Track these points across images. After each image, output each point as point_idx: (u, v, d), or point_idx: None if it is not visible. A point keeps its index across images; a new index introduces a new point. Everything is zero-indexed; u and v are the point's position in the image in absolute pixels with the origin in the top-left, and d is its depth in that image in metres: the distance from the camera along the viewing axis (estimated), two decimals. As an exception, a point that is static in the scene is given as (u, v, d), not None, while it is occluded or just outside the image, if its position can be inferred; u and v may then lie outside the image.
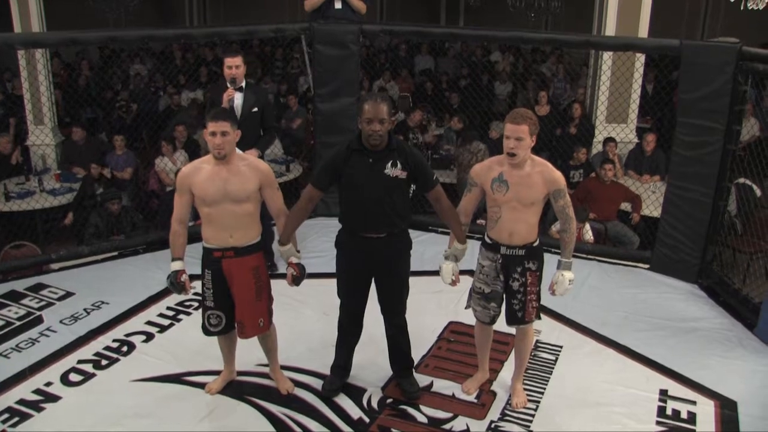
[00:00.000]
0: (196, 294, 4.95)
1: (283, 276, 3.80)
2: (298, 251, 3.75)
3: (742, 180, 6.21)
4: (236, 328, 3.75)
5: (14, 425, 3.66)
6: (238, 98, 5.05)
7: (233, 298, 3.68)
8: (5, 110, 9.17)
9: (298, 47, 7.96)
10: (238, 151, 3.70)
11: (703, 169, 5.18)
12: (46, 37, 6.60)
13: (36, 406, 3.82)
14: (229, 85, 5.01)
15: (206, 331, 3.79)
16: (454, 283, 3.79)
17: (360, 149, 3.53)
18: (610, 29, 7.79)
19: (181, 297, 4.90)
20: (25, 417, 3.74)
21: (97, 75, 11.31)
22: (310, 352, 4.32)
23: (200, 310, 4.77)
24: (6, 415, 3.73)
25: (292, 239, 3.70)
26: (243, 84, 5.09)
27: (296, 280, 3.71)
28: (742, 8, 8.58)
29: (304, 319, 4.71)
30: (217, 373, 4.03)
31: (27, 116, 8.12)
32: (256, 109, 5.07)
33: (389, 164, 3.52)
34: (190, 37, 7.41)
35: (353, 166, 3.53)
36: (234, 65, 5.01)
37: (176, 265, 3.64)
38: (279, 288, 3.96)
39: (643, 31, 7.75)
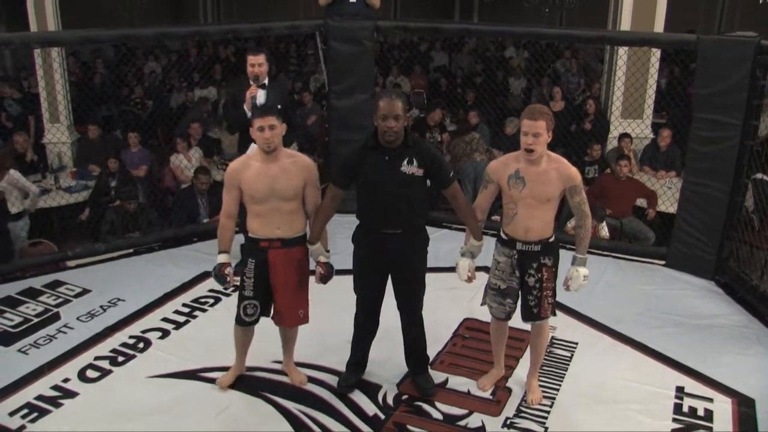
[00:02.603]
0: (211, 291, 5.00)
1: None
2: (328, 250, 3.78)
3: (759, 175, 6.15)
4: (274, 318, 3.78)
5: (33, 420, 3.70)
6: (261, 96, 5.05)
7: (272, 289, 3.70)
8: (23, 108, 9.24)
9: (312, 44, 7.98)
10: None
11: (719, 164, 5.14)
12: (62, 36, 6.64)
13: (54, 402, 3.86)
14: (252, 83, 5.03)
15: (241, 321, 3.78)
16: (470, 279, 3.78)
17: (375, 146, 3.53)
18: (625, 24, 7.74)
19: (197, 294, 4.97)
20: (43, 412, 3.77)
21: (112, 73, 11.37)
22: (326, 348, 4.32)
23: (215, 307, 4.84)
24: (25, 411, 3.77)
25: (322, 238, 3.72)
26: (266, 81, 5.10)
27: (324, 279, 3.75)
28: (760, 1, 8.50)
29: (319, 315, 4.68)
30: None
31: (43, 114, 8.18)
32: (279, 106, 5.08)
33: (405, 161, 3.52)
34: (204, 35, 7.45)
35: (369, 164, 3.54)
36: (257, 63, 5.01)
37: (222, 258, 3.66)
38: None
39: (659, 26, 7.69)
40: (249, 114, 4.88)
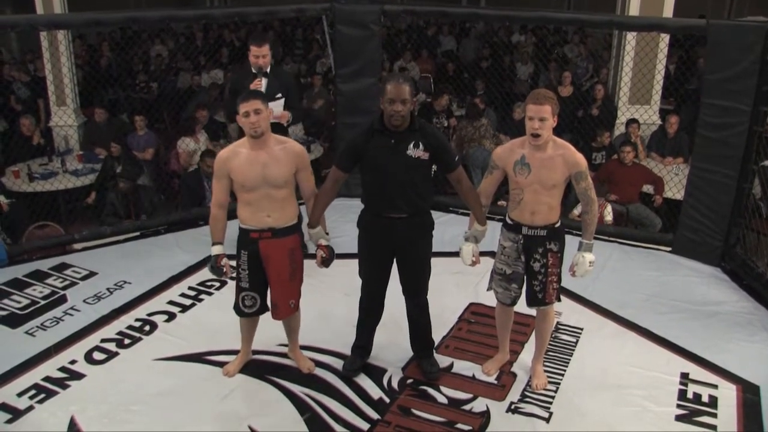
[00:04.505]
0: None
1: (310, 257, 3.82)
2: (327, 233, 3.77)
3: (767, 162, 6.12)
4: (270, 310, 3.77)
5: (41, 401, 3.73)
6: (262, 85, 5.03)
7: (268, 280, 3.70)
8: (32, 92, 9.23)
9: (319, 28, 7.95)
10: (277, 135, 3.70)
11: (727, 151, 5.11)
12: (69, 19, 6.61)
13: (61, 383, 3.89)
14: (256, 72, 4.99)
15: (240, 312, 3.80)
16: (474, 264, 3.79)
17: (382, 130, 3.52)
18: (634, 9, 7.67)
19: (203, 277, 4.98)
20: (51, 394, 3.80)
21: (119, 56, 11.35)
22: (332, 332, 4.34)
23: (221, 290, 4.84)
24: (33, 392, 3.80)
25: (321, 221, 3.72)
26: (268, 69, 5.06)
27: (326, 262, 3.73)
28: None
29: (325, 299, 4.72)
30: (238, 352, 4.06)
31: (50, 97, 8.18)
32: (279, 95, 5.05)
33: (411, 145, 3.51)
34: (210, 18, 7.44)
35: (375, 147, 3.53)
36: (261, 55, 4.94)
37: (216, 249, 3.65)
38: (305, 269, 3.96)
39: (668, 11, 7.62)
40: None
